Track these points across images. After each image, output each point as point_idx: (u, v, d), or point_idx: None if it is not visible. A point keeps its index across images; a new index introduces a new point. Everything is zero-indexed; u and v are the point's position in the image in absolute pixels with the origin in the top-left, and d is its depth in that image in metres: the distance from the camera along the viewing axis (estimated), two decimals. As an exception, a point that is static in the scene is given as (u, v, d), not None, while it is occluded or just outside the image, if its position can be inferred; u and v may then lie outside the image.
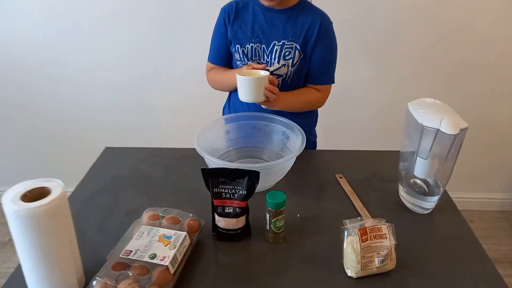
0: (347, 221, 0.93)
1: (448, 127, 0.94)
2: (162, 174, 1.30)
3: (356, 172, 1.27)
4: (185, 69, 2.12)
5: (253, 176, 0.96)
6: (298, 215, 1.10)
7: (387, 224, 0.92)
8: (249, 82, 1.23)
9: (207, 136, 1.27)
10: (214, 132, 1.32)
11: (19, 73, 2.16)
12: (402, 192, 1.15)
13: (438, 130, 0.96)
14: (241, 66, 1.35)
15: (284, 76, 1.34)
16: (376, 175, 1.27)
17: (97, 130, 2.29)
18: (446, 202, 1.14)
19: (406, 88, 2.17)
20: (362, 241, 0.89)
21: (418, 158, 1.04)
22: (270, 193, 0.98)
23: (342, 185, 1.21)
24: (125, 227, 1.01)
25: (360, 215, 1.09)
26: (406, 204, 1.14)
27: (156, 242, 0.92)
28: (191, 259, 0.96)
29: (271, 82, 1.24)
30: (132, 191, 1.22)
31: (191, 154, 1.17)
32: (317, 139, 1.59)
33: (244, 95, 1.25)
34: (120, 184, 1.25)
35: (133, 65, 2.14)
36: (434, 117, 0.98)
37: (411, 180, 1.13)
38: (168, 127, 2.31)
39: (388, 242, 0.91)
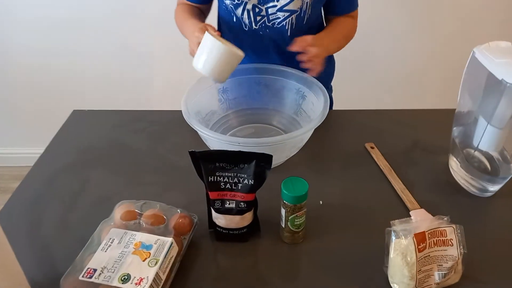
0: (396, 221, 0.67)
1: (547, 86, 0.65)
2: (145, 145, 1.02)
3: (391, 140, 0.99)
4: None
5: (263, 161, 0.69)
6: (321, 202, 0.84)
7: (453, 225, 0.66)
8: (221, 52, 0.86)
9: (200, 95, 0.99)
10: (208, 90, 1.03)
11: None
12: (456, 167, 0.88)
13: (529, 90, 0.67)
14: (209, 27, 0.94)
15: (298, 12, 1.01)
16: (419, 144, 0.99)
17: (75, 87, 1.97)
18: None
19: (463, 24, 1.75)
20: (419, 251, 0.64)
21: (489, 126, 0.76)
22: (287, 182, 0.71)
23: (375, 158, 0.94)
24: (93, 225, 0.76)
25: (403, 202, 0.83)
26: (460, 183, 0.87)
27: (131, 254, 0.67)
28: (181, 269, 0.71)
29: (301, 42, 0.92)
30: (105, 170, 0.95)
31: (183, 119, 0.89)
32: (333, 94, 1.27)
33: (205, 64, 0.88)
34: (90, 160, 0.98)
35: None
36: (522, 70, 0.69)
37: (466, 151, 0.86)
38: (155, 84, 1.97)
39: (455, 250, 0.65)
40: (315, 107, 0.94)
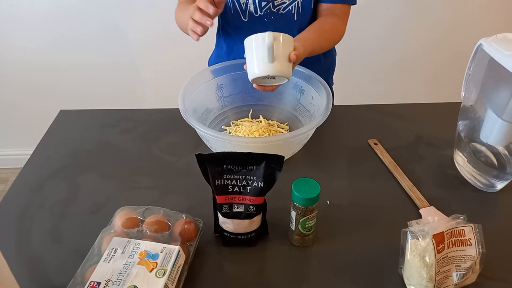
0: (413, 222, 0.64)
1: None
2: (138, 147, 0.97)
3: (394, 136, 0.97)
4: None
5: (274, 162, 0.65)
6: (328, 202, 0.81)
7: (471, 224, 0.64)
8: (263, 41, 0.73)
9: (197, 92, 0.94)
10: (204, 87, 0.98)
11: None
12: (462, 162, 0.87)
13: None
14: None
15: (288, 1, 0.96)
16: (423, 139, 0.97)
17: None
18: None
19: (468, 17, 1.76)
20: (438, 252, 0.62)
21: (499, 120, 0.74)
22: (297, 182, 0.68)
23: (380, 155, 0.92)
24: (88, 234, 0.71)
25: (411, 200, 0.81)
26: (466, 178, 0.86)
27: (136, 265, 0.62)
28: (189, 277, 0.67)
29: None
30: (97, 175, 0.89)
31: (177, 117, 0.85)
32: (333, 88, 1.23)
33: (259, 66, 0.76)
34: (80, 165, 0.92)
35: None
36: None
37: (472, 146, 0.85)
38: (146, 81, 1.89)
39: (474, 250, 0.63)
40: (315, 101, 0.92)
